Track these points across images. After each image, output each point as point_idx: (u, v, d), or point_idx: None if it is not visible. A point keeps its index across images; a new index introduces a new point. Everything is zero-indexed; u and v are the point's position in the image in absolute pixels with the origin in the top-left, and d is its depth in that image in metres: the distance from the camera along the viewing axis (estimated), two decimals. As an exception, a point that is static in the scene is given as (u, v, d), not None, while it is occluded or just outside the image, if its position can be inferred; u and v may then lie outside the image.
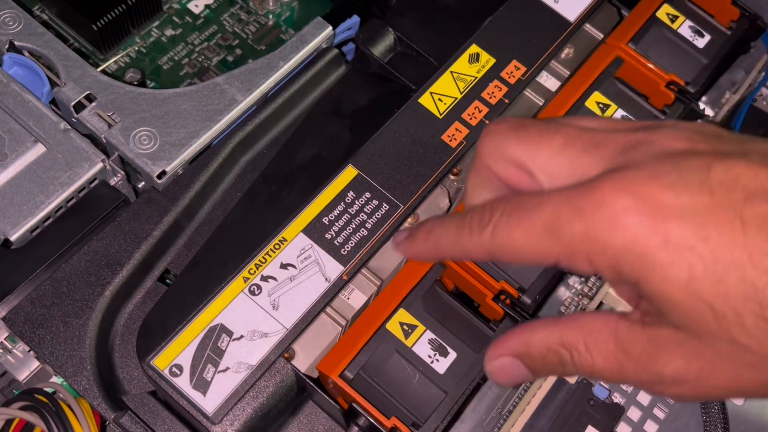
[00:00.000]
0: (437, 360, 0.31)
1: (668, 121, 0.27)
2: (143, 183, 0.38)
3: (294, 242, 0.34)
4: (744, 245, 0.22)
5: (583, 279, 0.39)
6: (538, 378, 0.29)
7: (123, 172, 0.36)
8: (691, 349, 0.24)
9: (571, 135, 0.26)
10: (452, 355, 0.31)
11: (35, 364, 0.35)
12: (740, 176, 0.23)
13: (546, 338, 0.27)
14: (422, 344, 0.32)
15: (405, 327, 0.32)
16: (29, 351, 0.35)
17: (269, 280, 0.33)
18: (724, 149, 0.24)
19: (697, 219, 0.23)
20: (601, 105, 0.39)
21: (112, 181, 0.36)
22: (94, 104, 0.36)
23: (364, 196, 0.36)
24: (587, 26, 0.43)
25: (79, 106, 0.36)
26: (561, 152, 0.26)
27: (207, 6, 0.47)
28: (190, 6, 0.47)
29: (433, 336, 0.32)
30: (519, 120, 0.28)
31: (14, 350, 0.35)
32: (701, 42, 0.42)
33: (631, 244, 0.23)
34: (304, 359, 0.33)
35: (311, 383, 0.32)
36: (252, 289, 0.33)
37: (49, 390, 0.33)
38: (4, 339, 0.35)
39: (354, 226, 0.35)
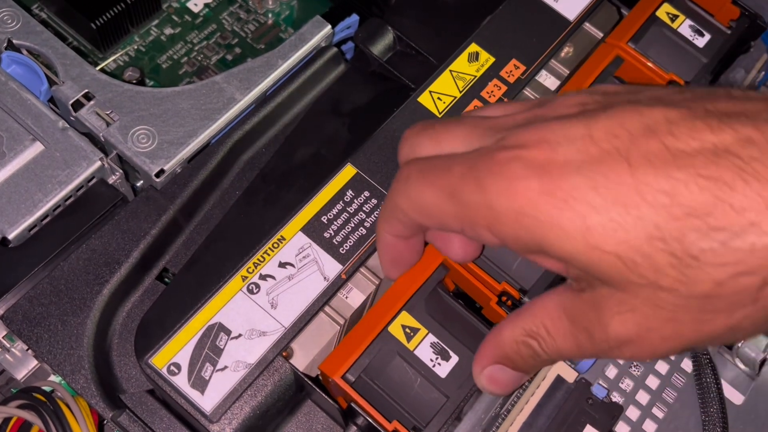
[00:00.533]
0: (439, 364, 0.31)
1: (568, 92, 0.27)
2: (141, 182, 0.37)
3: (292, 241, 0.34)
4: (634, 186, 0.22)
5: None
6: (530, 374, 0.29)
7: (121, 171, 0.36)
8: (622, 305, 0.23)
9: (473, 124, 0.27)
10: (454, 359, 0.31)
11: (33, 363, 0.35)
12: (624, 120, 0.23)
13: (511, 334, 0.27)
14: (424, 348, 0.31)
15: (407, 330, 0.32)
16: (27, 349, 0.35)
17: (268, 278, 0.33)
18: (613, 102, 0.24)
19: (584, 170, 0.22)
20: (600, 104, 0.39)
21: (111, 180, 0.36)
22: (92, 103, 0.36)
23: (362, 195, 0.36)
24: (587, 25, 0.43)
25: (78, 105, 0.36)
26: (465, 138, 0.27)
27: (206, 5, 0.47)
28: (190, 5, 0.47)
29: (436, 339, 0.32)
30: (427, 121, 0.29)
31: (12, 349, 0.35)
32: (701, 41, 0.42)
33: (524, 208, 0.23)
34: (303, 358, 0.33)
35: (310, 382, 0.32)
36: (250, 287, 0.33)
37: (47, 389, 0.33)
38: (2, 337, 0.35)
39: (353, 225, 0.35)
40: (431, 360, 0.31)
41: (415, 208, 0.27)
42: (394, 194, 0.28)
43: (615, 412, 0.34)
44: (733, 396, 0.37)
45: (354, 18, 0.42)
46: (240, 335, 0.32)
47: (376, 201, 0.35)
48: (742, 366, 0.37)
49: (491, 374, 0.29)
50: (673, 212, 0.21)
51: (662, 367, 0.36)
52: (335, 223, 0.35)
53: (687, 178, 0.21)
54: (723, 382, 0.36)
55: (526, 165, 0.23)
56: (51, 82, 0.37)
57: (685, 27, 0.42)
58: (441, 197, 0.26)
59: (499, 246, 0.25)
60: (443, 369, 0.31)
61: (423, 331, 0.32)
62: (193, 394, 0.31)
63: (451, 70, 0.39)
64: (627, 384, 0.36)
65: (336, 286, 0.34)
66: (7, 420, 0.32)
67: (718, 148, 0.21)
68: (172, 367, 0.31)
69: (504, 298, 0.34)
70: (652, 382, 0.36)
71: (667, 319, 0.23)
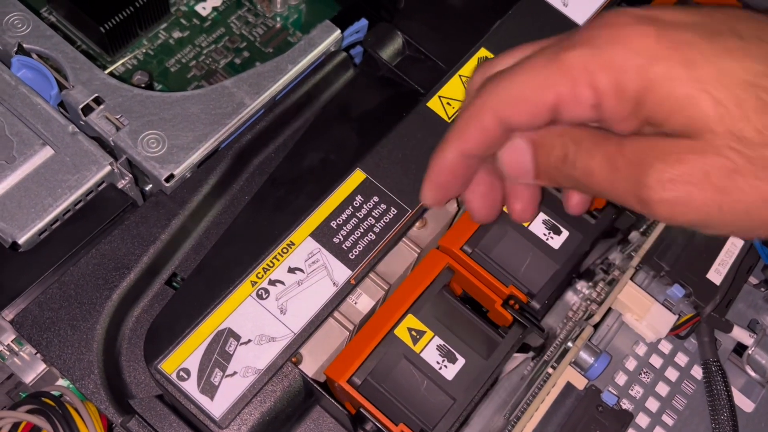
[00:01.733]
0: (445, 366, 0.31)
1: None
2: (151, 186, 0.37)
3: (302, 246, 0.34)
4: (742, 47, 0.23)
5: (591, 284, 0.39)
6: (536, 180, 0.28)
7: (131, 175, 0.36)
8: (688, 149, 0.23)
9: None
10: (461, 361, 0.31)
11: (42, 367, 0.35)
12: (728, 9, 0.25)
13: (558, 131, 0.27)
14: (430, 350, 0.31)
15: (413, 333, 0.32)
16: (36, 354, 0.35)
17: (277, 284, 0.33)
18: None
19: (693, 28, 0.24)
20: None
21: (120, 184, 0.36)
22: (102, 107, 0.36)
23: (372, 200, 0.35)
24: (596, 30, 0.42)
25: (87, 109, 0.36)
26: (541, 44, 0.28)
27: (214, 8, 0.47)
28: (198, 8, 0.47)
29: (442, 342, 0.32)
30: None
31: (21, 353, 0.35)
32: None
33: (636, 50, 0.24)
34: (312, 364, 0.33)
35: (318, 388, 0.32)
36: (260, 293, 0.33)
37: (56, 393, 0.33)
38: (12, 342, 0.35)
39: (362, 231, 0.35)
40: (437, 363, 0.31)
41: (507, 100, 0.26)
42: (478, 101, 0.27)
43: (625, 419, 0.34)
44: (744, 403, 0.37)
45: (363, 22, 0.42)
46: (249, 341, 0.32)
47: (385, 206, 0.35)
48: (752, 373, 0.37)
49: (515, 146, 0.28)
50: None
51: (672, 374, 0.36)
52: (344, 228, 0.35)
53: None
54: (733, 389, 0.36)
55: (637, 17, 0.24)
56: (61, 87, 0.37)
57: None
58: (534, 71, 0.26)
59: (586, 102, 0.25)
60: (450, 371, 0.31)
61: (429, 333, 0.32)
62: (202, 400, 0.31)
63: (460, 75, 0.39)
64: (637, 391, 0.36)
65: (345, 291, 0.34)
66: (16, 425, 0.32)
67: None
68: (181, 373, 0.31)
69: (511, 302, 0.34)
70: (662, 389, 0.36)
71: (731, 169, 0.23)
